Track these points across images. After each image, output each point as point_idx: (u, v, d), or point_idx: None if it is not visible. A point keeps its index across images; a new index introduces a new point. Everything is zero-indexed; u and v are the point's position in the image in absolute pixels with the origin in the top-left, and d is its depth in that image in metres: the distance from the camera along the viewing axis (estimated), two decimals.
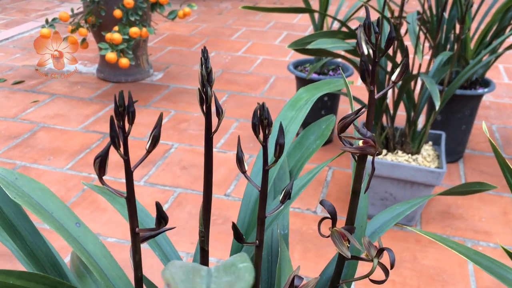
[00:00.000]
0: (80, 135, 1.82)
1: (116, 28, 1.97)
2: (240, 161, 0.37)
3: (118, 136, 0.29)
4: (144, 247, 1.30)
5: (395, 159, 1.37)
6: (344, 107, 2.06)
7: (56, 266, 0.46)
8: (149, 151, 0.33)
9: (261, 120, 0.33)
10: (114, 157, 1.70)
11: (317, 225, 1.36)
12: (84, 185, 1.51)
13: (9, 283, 0.29)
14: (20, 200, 0.44)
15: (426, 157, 1.39)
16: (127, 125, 0.30)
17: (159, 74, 2.41)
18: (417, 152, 1.40)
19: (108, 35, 1.94)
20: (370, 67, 0.32)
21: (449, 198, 1.49)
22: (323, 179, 1.58)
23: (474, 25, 2.15)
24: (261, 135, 0.34)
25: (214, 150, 1.80)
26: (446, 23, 1.57)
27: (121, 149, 0.31)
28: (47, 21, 1.89)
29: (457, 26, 1.58)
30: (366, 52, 0.32)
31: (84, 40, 2.06)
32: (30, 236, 0.46)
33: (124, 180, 1.55)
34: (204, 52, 0.43)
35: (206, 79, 0.43)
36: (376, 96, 0.34)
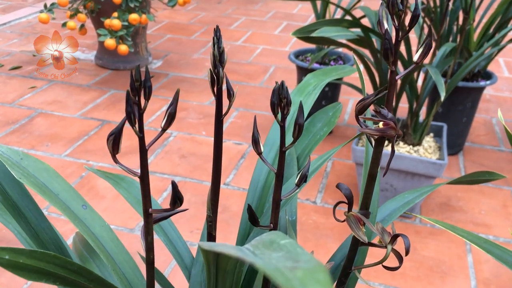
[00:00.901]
0: (78, 122, 1.80)
1: (115, 14, 1.95)
2: (256, 141, 0.36)
3: (134, 112, 0.28)
4: (140, 234, 1.29)
5: (396, 150, 1.36)
6: (345, 98, 2.05)
7: (62, 250, 0.45)
8: (164, 129, 0.32)
9: (280, 99, 0.32)
10: None
11: (316, 215, 1.35)
12: (82, 172, 1.50)
13: (19, 262, 0.28)
14: (25, 181, 0.43)
15: (428, 149, 1.38)
16: (142, 102, 0.29)
17: (158, 62, 2.39)
18: (419, 143, 1.40)
19: (107, 21, 1.92)
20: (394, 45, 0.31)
21: (449, 191, 1.49)
22: (323, 170, 1.58)
23: (477, 17, 2.14)
24: (279, 115, 0.33)
25: (212, 139, 1.79)
26: (450, 14, 1.56)
27: (136, 125, 0.30)
28: (45, 6, 1.86)
29: (460, 18, 1.57)
30: (389, 29, 0.31)
31: (82, 26, 2.03)
32: (34, 218, 0.45)
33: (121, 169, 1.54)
34: (217, 31, 0.42)
35: (218, 60, 0.42)
36: (398, 77, 0.33)
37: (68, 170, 1.52)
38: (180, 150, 1.65)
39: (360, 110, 0.34)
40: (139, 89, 0.29)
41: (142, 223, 1.40)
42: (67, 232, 1.25)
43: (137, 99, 0.29)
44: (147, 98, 0.29)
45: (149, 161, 1.58)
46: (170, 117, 0.32)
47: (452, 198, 1.45)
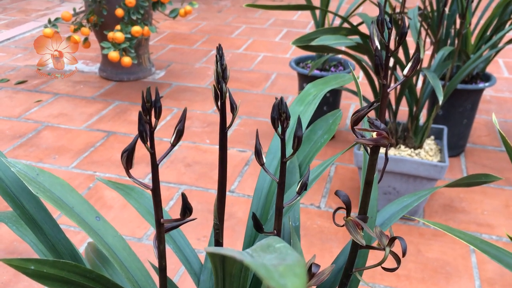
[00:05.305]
0: (84, 134, 1.83)
1: (118, 27, 1.98)
2: (258, 153, 0.38)
3: (146, 131, 0.31)
4: (147, 243, 1.31)
5: (397, 154, 1.38)
6: (346, 103, 2.07)
7: (77, 260, 0.48)
8: (173, 145, 0.34)
9: (279, 114, 0.35)
10: (119, 155, 1.72)
11: (321, 220, 1.37)
12: (90, 183, 1.53)
13: (43, 272, 0.30)
14: (42, 195, 0.45)
15: (429, 151, 1.40)
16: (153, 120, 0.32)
17: (161, 72, 2.42)
18: (420, 146, 1.42)
19: (110, 34, 1.96)
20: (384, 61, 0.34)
21: (452, 192, 1.50)
22: (326, 175, 1.60)
23: (474, 20, 2.17)
24: (279, 129, 0.36)
25: (216, 147, 1.82)
26: (447, 18, 1.58)
27: (148, 143, 0.32)
28: (49, 21, 1.90)
29: (458, 21, 1.60)
30: (379, 46, 0.34)
31: (86, 39, 2.07)
32: (51, 230, 0.48)
33: (128, 178, 1.56)
34: (219, 49, 0.45)
35: (221, 76, 0.45)
36: (389, 90, 0.35)
37: (76, 182, 1.54)
38: (185, 159, 1.68)
39: (355, 121, 0.37)
40: (150, 109, 0.31)
41: (149, 232, 1.43)
42: (77, 242, 1.28)
43: (148, 118, 0.31)
44: (158, 117, 0.32)
45: None
46: (179, 133, 0.34)
47: (455, 199, 1.47)
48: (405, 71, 0.36)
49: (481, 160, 1.68)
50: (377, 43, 0.34)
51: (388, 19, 0.34)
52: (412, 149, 1.41)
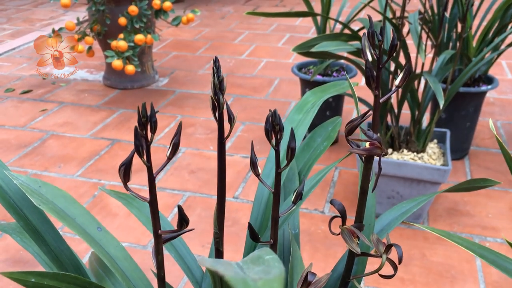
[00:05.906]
0: (89, 142, 1.85)
1: (121, 35, 2.00)
2: (254, 164, 0.39)
3: (142, 145, 0.32)
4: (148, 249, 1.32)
5: (400, 158, 1.39)
6: (349, 107, 2.08)
7: (80, 270, 0.49)
8: (169, 158, 0.35)
9: (273, 126, 0.36)
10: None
11: (325, 225, 1.38)
12: (95, 191, 1.54)
13: (43, 284, 0.31)
14: (44, 207, 0.46)
15: (432, 155, 1.40)
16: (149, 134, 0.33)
17: (164, 80, 2.44)
18: (423, 150, 1.42)
19: (114, 43, 1.97)
20: (375, 73, 0.34)
21: (456, 195, 1.50)
22: (330, 179, 1.60)
23: (475, 23, 2.17)
24: (273, 140, 0.36)
25: None
26: (448, 22, 1.58)
27: (144, 156, 0.33)
28: (53, 30, 1.92)
29: (459, 25, 1.60)
30: (370, 58, 0.34)
31: (90, 48, 2.09)
32: (54, 242, 0.48)
33: (134, 185, 1.57)
34: (216, 62, 0.46)
35: (218, 88, 0.45)
36: (381, 100, 0.36)
37: (81, 190, 1.56)
38: (189, 166, 1.69)
39: (349, 131, 0.37)
40: (146, 124, 0.32)
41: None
42: (81, 251, 1.29)
43: (144, 132, 0.32)
44: (153, 131, 0.32)
45: (159, 177, 1.62)
46: (175, 147, 0.35)
47: (459, 202, 1.47)
48: (397, 81, 0.36)
49: (485, 163, 1.68)
50: (368, 55, 0.35)
51: (378, 31, 0.34)
52: (415, 153, 1.41)
